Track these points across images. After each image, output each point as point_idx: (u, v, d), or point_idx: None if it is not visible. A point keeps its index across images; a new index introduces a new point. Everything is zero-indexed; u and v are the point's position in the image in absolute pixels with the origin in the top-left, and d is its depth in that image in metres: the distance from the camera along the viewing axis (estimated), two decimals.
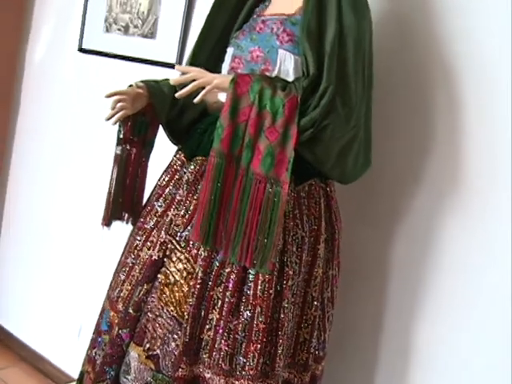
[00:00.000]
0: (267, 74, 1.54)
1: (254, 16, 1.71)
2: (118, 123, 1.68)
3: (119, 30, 2.68)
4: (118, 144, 1.72)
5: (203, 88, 1.48)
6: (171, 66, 2.41)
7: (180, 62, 2.44)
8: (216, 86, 1.47)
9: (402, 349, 1.87)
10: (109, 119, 1.64)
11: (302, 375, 1.63)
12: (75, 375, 2.14)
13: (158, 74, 2.41)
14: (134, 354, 1.61)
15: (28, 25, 3.17)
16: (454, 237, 1.77)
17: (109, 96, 1.62)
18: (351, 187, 1.75)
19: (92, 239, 2.77)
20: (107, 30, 2.73)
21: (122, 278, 1.72)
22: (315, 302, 1.61)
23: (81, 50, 2.86)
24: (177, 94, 1.50)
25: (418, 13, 1.82)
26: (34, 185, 3.12)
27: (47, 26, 3.09)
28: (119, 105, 1.62)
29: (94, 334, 1.82)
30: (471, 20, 1.72)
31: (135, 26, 2.61)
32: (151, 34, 2.56)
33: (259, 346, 1.46)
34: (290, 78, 1.52)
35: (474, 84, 1.72)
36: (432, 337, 1.82)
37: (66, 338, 2.91)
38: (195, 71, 1.50)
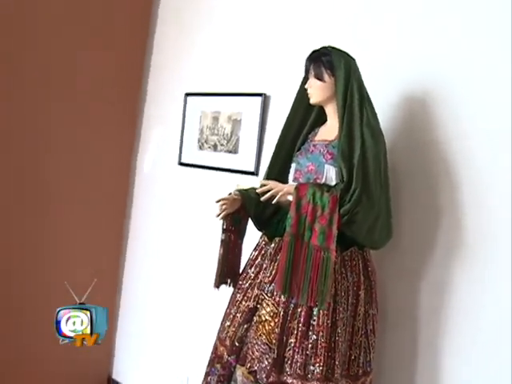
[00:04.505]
0: (318, 181, 2.35)
1: (308, 141, 2.52)
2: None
3: (209, 147, 3.48)
4: (222, 232, 2.56)
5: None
6: (250, 173, 3.18)
7: (257, 170, 3.17)
8: (286, 192, 2.30)
9: (430, 374, 2.53)
10: (218, 216, 2.49)
11: (354, 383, 2.37)
12: None
13: (240, 180, 3.21)
14: (239, 372, 2.38)
15: (138, 144, 3.99)
16: (462, 284, 2.43)
17: (218, 201, 2.49)
18: (383, 252, 2.51)
19: (196, 303, 3.47)
20: (200, 148, 3.54)
21: (228, 323, 2.51)
22: (360, 331, 2.36)
23: (180, 163, 3.67)
24: (261, 199, 2.35)
25: (421, 118, 2.59)
26: (152, 260, 3.84)
27: (153, 145, 3.92)
28: (223, 206, 2.48)
29: (208, 367, 2.59)
30: (465, 124, 2.44)
31: (221, 145, 3.41)
32: (234, 150, 3.33)
33: (323, 358, 2.20)
34: (333, 183, 2.31)
35: (470, 175, 2.41)
36: (450, 364, 2.46)
37: None
38: (271, 183, 2.35)
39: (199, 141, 3.56)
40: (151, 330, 3.82)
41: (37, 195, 3.55)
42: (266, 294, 2.35)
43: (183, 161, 3.66)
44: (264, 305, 2.35)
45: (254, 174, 3.20)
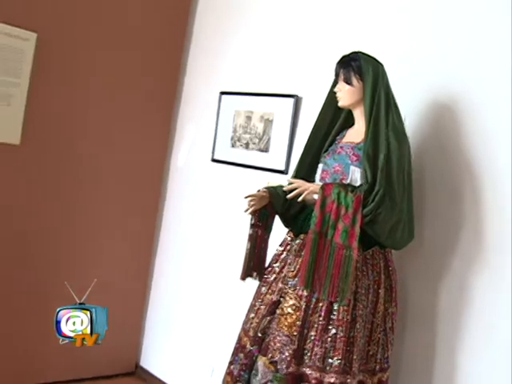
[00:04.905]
0: (343, 181, 2.44)
1: (336, 142, 2.60)
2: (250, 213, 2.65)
3: (241, 145, 3.59)
4: (250, 227, 2.67)
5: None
6: (280, 172, 3.28)
7: (287, 168, 3.27)
8: (311, 191, 2.40)
9: (446, 372, 2.60)
10: (246, 211, 2.60)
11: (371, 378, 2.44)
12: None
13: (270, 177, 3.30)
14: (260, 362, 2.48)
15: (172, 140, 4.12)
16: (481, 290, 2.50)
17: (246, 197, 2.59)
18: (405, 252, 2.58)
19: (223, 295, 3.58)
20: (233, 146, 3.65)
21: (252, 315, 2.61)
22: (379, 328, 2.45)
23: (213, 160, 3.79)
24: (288, 196, 2.45)
25: (447, 124, 2.66)
26: (182, 252, 3.97)
27: (187, 142, 4.04)
28: (252, 202, 2.59)
29: (231, 356, 2.69)
30: (491, 132, 2.50)
31: (253, 143, 3.52)
32: (265, 149, 3.43)
33: (341, 351, 2.29)
34: (357, 183, 2.40)
35: (492, 184, 2.48)
36: (465, 364, 2.53)
37: (200, 377, 3.65)
38: (299, 182, 2.45)
39: (232, 138, 3.68)
40: (179, 319, 3.94)
41: (72, 188, 3.69)
42: (290, 288, 2.45)
43: (216, 157, 3.78)
44: (287, 298, 2.44)
45: (284, 172, 3.30)
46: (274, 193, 2.65)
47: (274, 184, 2.71)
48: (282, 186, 2.58)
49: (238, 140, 3.64)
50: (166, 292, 4.09)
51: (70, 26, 3.53)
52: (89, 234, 3.81)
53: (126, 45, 3.78)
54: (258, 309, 2.59)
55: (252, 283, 2.72)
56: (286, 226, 2.69)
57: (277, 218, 2.72)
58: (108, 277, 3.81)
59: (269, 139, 3.45)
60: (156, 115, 4.03)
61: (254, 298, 2.66)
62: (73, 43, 3.55)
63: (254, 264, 2.69)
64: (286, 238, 2.64)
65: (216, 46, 3.92)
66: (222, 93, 3.76)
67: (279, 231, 2.71)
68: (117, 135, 3.83)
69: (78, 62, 3.59)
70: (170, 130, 4.14)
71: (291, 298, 2.42)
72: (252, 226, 2.68)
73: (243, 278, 2.69)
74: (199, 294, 3.80)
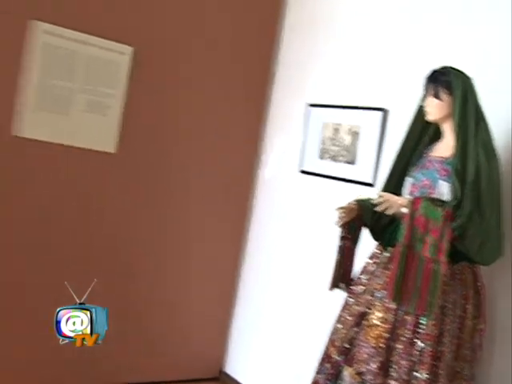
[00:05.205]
0: (431, 195, 2.45)
1: (424, 155, 2.63)
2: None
3: (329, 157, 3.65)
4: (340, 240, 2.72)
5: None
6: (368, 184, 3.30)
7: (374, 181, 3.28)
8: (400, 205, 2.43)
9: None
10: (336, 223, 2.66)
11: None
12: None
13: (357, 190, 3.29)
14: (346, 373, 2.52)
15: (261, 151, 4.21)
16: None
17: (337, 209, 2.66)
18: (494, 268, 2.55)
19: (310, 305, 3.62)
20: (321, 158, 3.70)
21: (339, 326, 2.66)
22: (466, 344, 2.44)
23: (301, 171, 3.84)
24: (377, 209, 2.48)
25: None
26: (269, 261, 4.04)
27: (275, 152, 4.12)
28: (342, 215, 2.64)
29: (318, 365, 2.74)
30: None
31: (341, 155, 3.55)
32: (353, 161, 3.46)
33: (428, 366, 2.30)
34: (445, 198, 2.40)
35: None
36: None
37: None
38: (387, 196, 2.48)
39: (320, 150, 3.73)
40: (265, 327, 4.01)
41: (162, 197, 3.84)
42: (377, 300, 2.48)
43: (304, 169, 3.84)
44: (374, 310, 2.48)
45: (371, 185, 3.32)
46: (363, 206, 2.70)
47: (364, 197, 2.76)
48: (371, 200, 2.62)
49: (326, 152, 3.68)
50: (252, 300, 4.16)
51: (163, 40, 3.70)
52: (178, 241, 3.94)
53: (217, 58, 3.92)
54: (345, 319, 2.64)
55: (339, 294, 2.77)
56: (375, 238, 2.73)
57: (365, 231, 2.76)
58: (196, 282, 3.96)
59: (356, 151, 3.48)
60: (244, 126, 4.14)
61: (341, 309, 2.71)
62: (166, 56, 3.72)
63: (342, 275, 2.75)
64: (374, 251, 2.67)
65: (304, 59, 3.99)
66: (311, 105, 3.83)
67: (367, 243, 2.74)
68: (206, 146, 3.95)
69: (170, 73, 3.75)
70: (258, 141, 4.24)
71: (378, 311, 2.46)
72: (341, 237, 2.73)
73: (331, 288, 2.74)
74: (286, 304, 3.85)
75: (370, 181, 3.35)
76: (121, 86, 3.57)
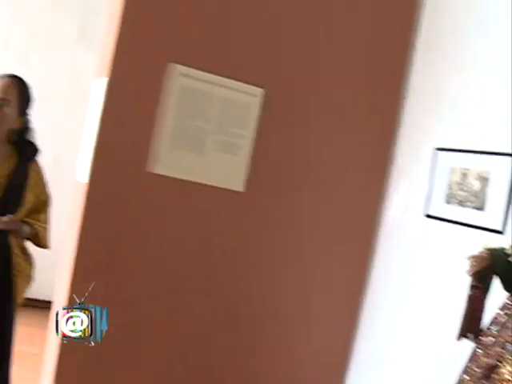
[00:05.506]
0: None
1: None
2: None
3: (456, 202, 3.60)
4: (469, 289, 2.67)
5: None
6: (497, 232, 3.22)
7: (504, 228, 3.19)
8: None
9: None
10: (468, 272, 2.62)
11: None
12: None
13: (485, 237, 3.21)
14: None
15: (385, 193, 4.19)
16: None
17: (468, 258, 2.62)
18: None
19: (436, 354, 3.52)
20: (447, 202, 3.65)
21: (467, 377, 2.59)
22: None
23: (427, 215, 3.80)
24: (510, 259, 2.43)
25: None
26: (392, 307, 3.99)
27: (400, 195, 4.10)
28: (473, 263, 2.60)
29: None
30: None
31: (469, 201, 3.50)
32: (481, 207, 3.40)
33: None
34: None
35: None
36: None
37: None
38: None
39: (447, 195, 3.68)
40: (387, 376, 3.93)
41: (289, 237, 3.94)
42: (509, 354, 2.41)
43: (430, 213, 3.79)
44: (506, 364, 2.41)
45: (501, 232, 3.23)
46: (495, 255, 2.64)
47: (495, 246, 2.70)
48: (503, 249, 2.56)
49: (453, 197, 3.63)
50: (375, 349, 4.08)
51: (292, 79, 3.83)
52: (302, 281, 3.99)
53: (342, 99, 3.98)
54: (473, 371, 2.57)
55: (467, 344, 2.71)
56: (507, 289, 2.65)
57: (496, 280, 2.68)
58: (316, 325, 4.00)
59: (485, 198, 3.41)
60: (370, 168, 4.15)
61: (468, 360, 2.64)
62: (294, 96, 3.84)
63: (471, 325, 2.68)
64: (505, 302, 2.60)
65: (431, 102, 3.97)
66: (438, 149, 3.79)
67: (499, 294, 2.66)
68: (333, 186, 4.02)
69: (300, 114, 3.87)
70: (383, 183, 4.23)
71: (510, 364, 2.39)
72: (471, 286, 2.68)
73: (459, 338, 2.69)
74: (408, 351, 3.78)
75: (499, 228, 3.26)
76: (251, 126, 3.71)
